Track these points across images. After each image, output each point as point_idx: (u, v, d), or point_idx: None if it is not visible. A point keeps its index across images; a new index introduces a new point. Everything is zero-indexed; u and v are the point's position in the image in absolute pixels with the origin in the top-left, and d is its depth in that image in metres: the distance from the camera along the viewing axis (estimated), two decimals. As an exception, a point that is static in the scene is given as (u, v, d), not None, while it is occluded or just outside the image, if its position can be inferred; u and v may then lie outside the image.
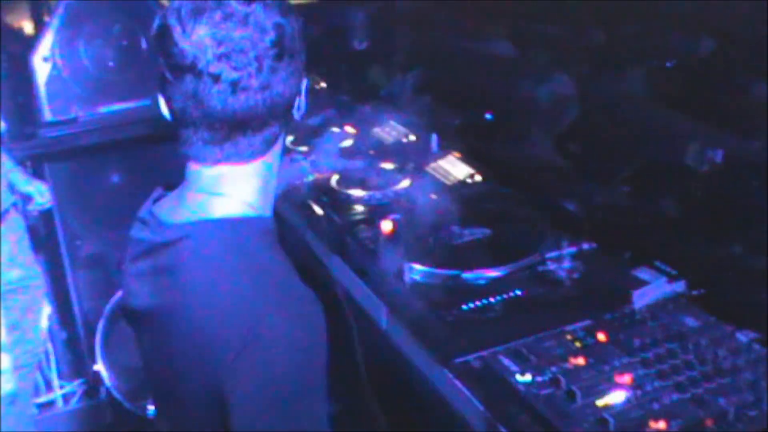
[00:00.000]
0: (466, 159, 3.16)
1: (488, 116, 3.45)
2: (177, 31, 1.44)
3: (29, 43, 4.25)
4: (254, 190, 1.60)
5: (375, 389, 2.70)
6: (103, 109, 4.13)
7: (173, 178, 1.70)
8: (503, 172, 3.06)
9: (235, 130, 1.51)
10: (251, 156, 1.57)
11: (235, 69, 1.44)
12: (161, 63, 1.48)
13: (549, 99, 3.90)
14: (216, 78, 1.44)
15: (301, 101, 1.61)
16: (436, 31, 4.11)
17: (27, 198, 3.62)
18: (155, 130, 4.13)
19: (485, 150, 3.23)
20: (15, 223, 3.55)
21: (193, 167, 1.59)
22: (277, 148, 1.63)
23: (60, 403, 4.41)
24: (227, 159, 1.55)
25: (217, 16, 1.43)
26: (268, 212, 1.65)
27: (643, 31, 3.47)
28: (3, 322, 3.45)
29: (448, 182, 3.06)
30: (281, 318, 1.46)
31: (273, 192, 1.67)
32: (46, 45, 3.98)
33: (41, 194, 3.62)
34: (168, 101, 1.53)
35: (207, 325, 1.49)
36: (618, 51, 3.84)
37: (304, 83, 1.61)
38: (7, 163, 3.58)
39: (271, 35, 1.46)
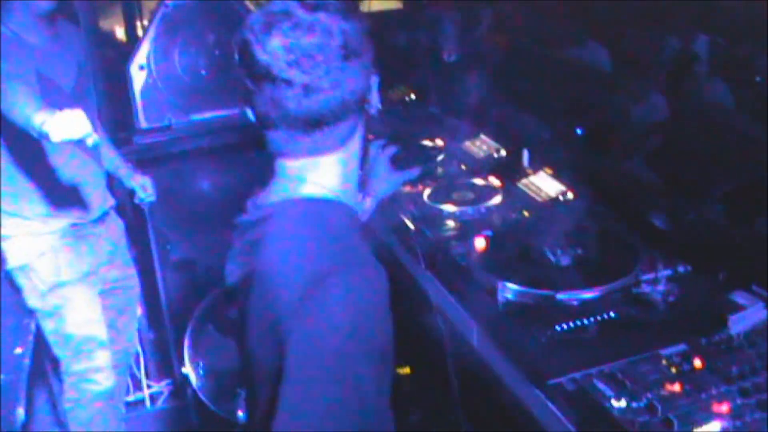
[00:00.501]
0: (558, 175, 3.14)
1: (579, 131, 3.42)
2: (253, 45, 1.56)
3: (122, 49, 4.36)
4: (334, 177, 1.74)
5: (464, 403, 2.72)
6: (195, 117, 4.21)
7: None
8: (595, 188, 3.03)
9: (311, 127, 1.63)
10: (329, 148, 1.70)
11: (305, 73, 1.56)
12: (243, 74, 1.62)
13: (642, 113, 3.86)
14: (289, 83, 1.56)
15: (372, 96, 1.73)
16: (528, 44, 4.10)
17: (131, 192, 3.72)
18: (245, 137, 4.20)
19: (577, 165, 3.20)
20: (115, 224, 3.65)
21: (278, 162, 1.74)
22: (354, 141, 1.75)
23: (147, 402, 4.51)
24: (307, 152, 1.69)
25: (286, 26, 1.55)
26: (349, 200, 1.78)
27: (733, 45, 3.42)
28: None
29: (540, 199, 3.05)
30: (345, 276, 1.56)
31: (354, 182, 1.81)
32: (142, 54, 4.08)
33: (144, 188, 3.69)
34: (252, 108, 1.66)
35: (277, 285, 1.60)
36: (711, 64, 3.79)
37: (374, 79, 1.72)
38: (115, 158, 3.67)
39: (336, 39, 1.58)
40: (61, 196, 3.28)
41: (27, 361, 3.01)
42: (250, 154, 4.33)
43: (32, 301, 3.37)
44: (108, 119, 4.09)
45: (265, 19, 1.57)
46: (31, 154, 3.13)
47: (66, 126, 2.55)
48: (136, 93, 4.10)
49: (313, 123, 1.63)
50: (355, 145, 1.76)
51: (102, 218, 3.52)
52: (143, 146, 4.11)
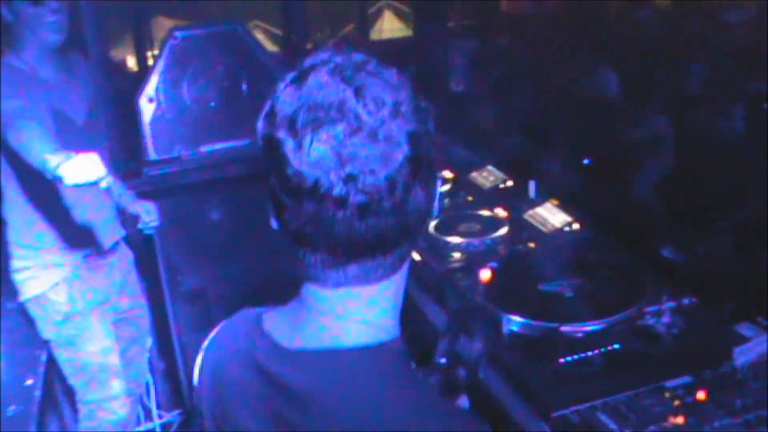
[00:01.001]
0: (564, 206, 3.16)
1: (586, 161, 3.45)
2: (290, 148, 1.16)
3: (133, 79, 4.40)
4: (384, 310, 1.33)
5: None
6: (204, 148, 4.25)
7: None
8: (602, 219, 3.05)
9: (363, 255, 1.25)
10: (381, 278, 1.29)
11: (363, 192, 1.16)
12: (273, 184, 1.23)
13: (649, 144, 3.88)
14: (341, 203, 1.17)
15: (435, 206, 1.32)
16: (536, 75, 4.13)
17: (135, 218, 3.71)
18: (255, 169, 4.23)
19: (583, 196, 3.22)
20: (125, 254, 3.68)
21: (310, 288, 1.32)
22: (407, 263, 1.34)
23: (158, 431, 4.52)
24: (353, 282, 1.29)
25: (341, 129, 1.15)
26: (397, 331, 1.35)
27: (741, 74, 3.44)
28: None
29: (545, 230, 3.07)
30: None
31: (400, 308, 1.38)
32: (151, 85, 4.12)
33: (149, 213, 3.70)
34: (282, 222, 1.27)
35: None
36: (720, 93, 3.80)
37: (438, 185, 1.32)
38: (118, 188, 3.68)
39: (404, 149, 1.18)
40: (74, 228, 3.31)
41: (38, 393, 3.03)
42: (259, 186, 4.36)
43: (47, 331, 3.38)
44: (117, 150, 4.13)
45: (311, 114, 1.16)
46: (44, 187, 3.16)
47: (81, 170, 2.59)
48: (145, 125, 4.15)
49: (366, 250, 1.24)
50: (407, 267, 1.35)
51: (113, 249, 3.54)
52: (152, 178, 4.15)
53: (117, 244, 3.59)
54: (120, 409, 3.56)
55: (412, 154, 1.19)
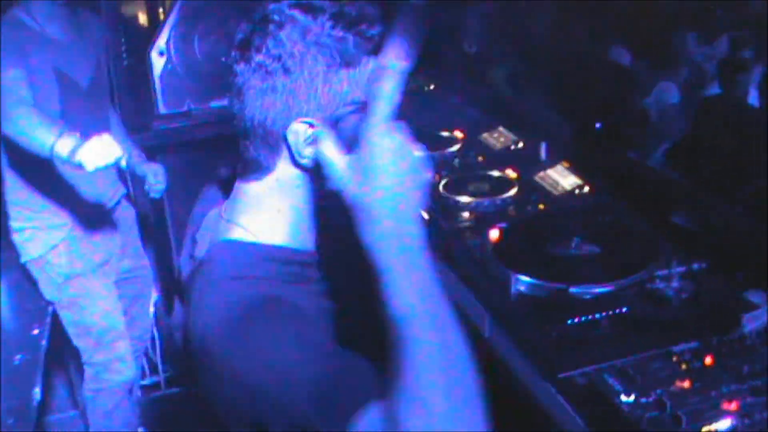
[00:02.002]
0: (575, 169, 3.14)
1: (598, 125, 3.42)
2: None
3: (144, 35, 4.37)
4: (260, 213, 1.47)
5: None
6: (215, 104, 4.22)
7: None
8: (613, 182, 3.03)
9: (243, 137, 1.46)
10: (253, 174, 1.47)
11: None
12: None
13: (663, 108, 3.86)
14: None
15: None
16: (550, 37, 4.10)
17: (142, 180, 3.67)
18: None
19: (594, 159, 3.19)
20: (127, 212, 3.66)
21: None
22: (282, 172, 1.45)
23: (163, 385, 4.54)
24: (240, 176, 1.51)
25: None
26: (285, 241, 1.49)
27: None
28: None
29: (556, 192, 3.05)
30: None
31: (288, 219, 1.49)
32: (162, 39, 4.09)
33: (156, 176, 3.65)
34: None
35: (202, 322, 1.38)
36: (738, 62, 3.77)
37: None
38: (127, 144, 3.63)
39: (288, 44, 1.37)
40: (73, 187, 3.30)
41: (44, 342, 3.04)
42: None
43: (49, 293, 3.39)
44: (127, 105, 4.11)
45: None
46: None
47: (99, 154, 2.63)
48: (155, 79, 4.12)
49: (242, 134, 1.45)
50: (286, 179, 1.44)
51: (113, 208, 3.54)
52: (162, 132, 4.13)
53: (118, 202, 3.58)
54: (126, 370, 3.57)
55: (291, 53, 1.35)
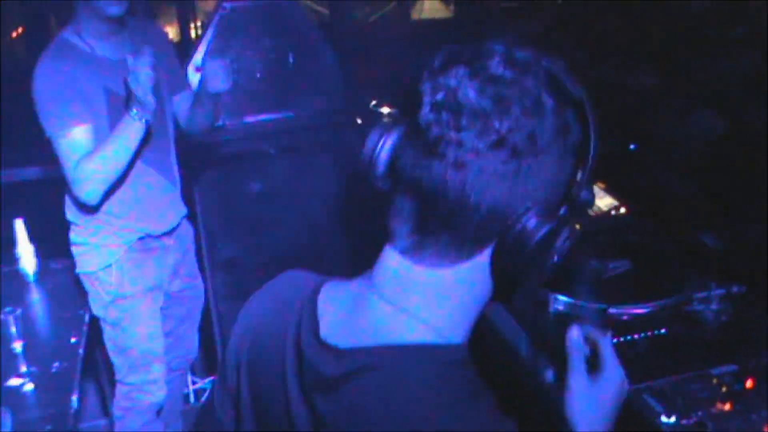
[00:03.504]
0: (611, 189, 3.16)
1: (632, 146, 3.44)
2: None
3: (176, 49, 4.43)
4: (450, 314, 1.21)
5: (512, 415, 2.74)
6: (248, 119, 4.26)
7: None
8: (649, 204, 3.05)
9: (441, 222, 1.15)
10: (453, 261, 1.18)
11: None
12: None
13: (696, 130, 3.87)
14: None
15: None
16: (582, 59, 4.12)
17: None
18: (296, 141, 4.27)
19: (631, 180, 3.21)
20: (184, 234, 3.66)
21: (385, 252, 1.23)
22: (481, 259, 1.18)
23: (191, 398, 4.57)
24: (422, 258, 1.18)
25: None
26: (460, 340, 1.23)
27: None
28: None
29: (592, 213, 3.07)
30: None
31: (471, 320, 1.25)
32: (199, 55, 4.13)
33: (215, 73, 3.54)
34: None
35: None
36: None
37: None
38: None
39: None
40: (135, 207, 3.30)
41: (81, 351, 3.06)
42: (300, 158, 4.39)
43: (95, 308, 3.38)
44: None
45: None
46: None
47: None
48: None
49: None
50: (481, 265, 1.18)
51: (170, 231, 3.51)
52: (196, 146, 4.17)
53: (179, 224, 3.55)
54: (158, 392, 3.55)
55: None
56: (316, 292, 1.30)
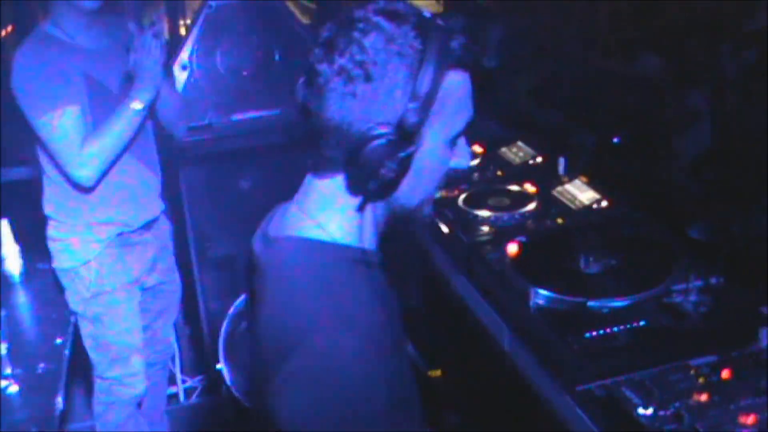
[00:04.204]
0: (593, 183, 3.16)
1: (616, 140, 3.44)
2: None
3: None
4: (333, 214, 1.54)
5: (494, 406, 2.75)
6: (235, 117, 4.26)
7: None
8: (632, 197, 3.05)
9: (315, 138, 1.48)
10: (326, 172, 1.52)
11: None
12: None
13: (683, 123, 3.86)
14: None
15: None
16: (567, 52, 4.11)
17: None
18: (285, 138, 4.26)
19: (614, 174, 3.21)
20: (162, 229, 3.68)
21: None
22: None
23: (181, 396, 4.57)
24: (311, 170, 1.56)
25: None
26: (354, 240, 1.55)
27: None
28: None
29: (574, 207, 3.07)
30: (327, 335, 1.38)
31: (357, 221, 1.55)
32: (185, 53, 4.12)
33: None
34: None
35: (270, 333, 1.48)
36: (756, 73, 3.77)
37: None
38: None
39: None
40: (113, 200, 3.30)
41: (67, 352, 3.07)
42: (290, 155, 4.39)
43: (74, 303, 3.39)
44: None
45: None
46: None
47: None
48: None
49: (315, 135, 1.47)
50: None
51: (149, 225, 3.52)
52: (184, 145, 4.16)
53: (157, 218, 3.57)
54: (138, 384, 3.56)
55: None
56: (272, 212, 1.70)
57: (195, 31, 4.14)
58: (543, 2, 4.53)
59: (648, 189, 3.08)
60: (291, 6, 4.54)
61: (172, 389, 4.52)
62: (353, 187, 1.50)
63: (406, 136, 1.42)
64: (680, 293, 2.39)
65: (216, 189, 4.35)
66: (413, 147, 1.43)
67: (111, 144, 3.11)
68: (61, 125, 3.03)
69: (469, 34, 1.45)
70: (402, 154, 1.43)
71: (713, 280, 2.43)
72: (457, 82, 1.46)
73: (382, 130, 1.41)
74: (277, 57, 4.30)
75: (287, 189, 4.19)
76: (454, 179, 1.61)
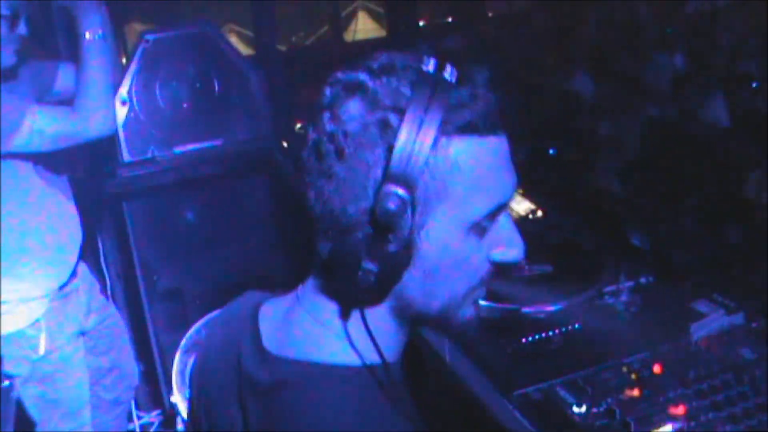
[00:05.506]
0: (529, 194, 3.21)
1: (551, 151, 3.51)
2: None
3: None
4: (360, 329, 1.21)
5: (441, 418, 2.77)
6: (177, 149, 4.27)
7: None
8: (565, 206, 3.10)
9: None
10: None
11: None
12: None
13: (613, 131, 3.95)
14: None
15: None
16: (504, 68, 4.19)
17: None
18: (227, 168, 4.28)
19: (547, 184, 3.27)
20: (81, 268, 3.51)
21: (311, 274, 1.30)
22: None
23: (139, 432, 4.55)
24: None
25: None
26: (379, 359, 1.24)
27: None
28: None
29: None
30: None
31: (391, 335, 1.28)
32: (124, 88, 4.14)
33: None
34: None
35: None
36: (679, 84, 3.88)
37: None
38: None
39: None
40: (46, 251, 3.19)
41: (15, 394, 2.99)
42: (234, 185, 4.41)
43: (18, 368, 3.23)
44: (92, 153, 4.14)
45: None
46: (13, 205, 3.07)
47: None
48: (118, 127, 4.15)
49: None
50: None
51: (76, 270, 3.39)
52: (127, 179, 4.17)
53: (78, 263, 3.41)
54: None
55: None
56: (257, 308, 1.37)
57: (132, 66, 4.16)
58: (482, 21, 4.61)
59: (580, 197, 3.14)
60: (231, 37, 4.58)
61: (130, 426, 4.49)
62: (335, 294, 1.24)
63: (383, 228, 1.13)
64: (612, 294, 2.45)
65: (161, 221, 4.36)
66: (399, 242, 1.15)
67: (95, 85, 3.05)
68: (45, 119, 2.97)
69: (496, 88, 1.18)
70: (386, 251, 1.15)
71: (643, 280, 2.49)
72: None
73: (352, 220, 1.15)
74: (216, 87, 4.33)
75: (231, 219, 4.21)
76: (505, 272, 1.33)
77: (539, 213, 3.10)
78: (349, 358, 1.24)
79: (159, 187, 4.24)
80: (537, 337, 2.33)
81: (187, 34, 4.33)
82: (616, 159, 3.56)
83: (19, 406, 3.39)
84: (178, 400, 4.13)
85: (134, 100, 4.17)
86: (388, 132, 1.11)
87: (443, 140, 1.12)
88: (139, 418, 4.51)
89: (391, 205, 1.10)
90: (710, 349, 2.22)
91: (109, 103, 3.12)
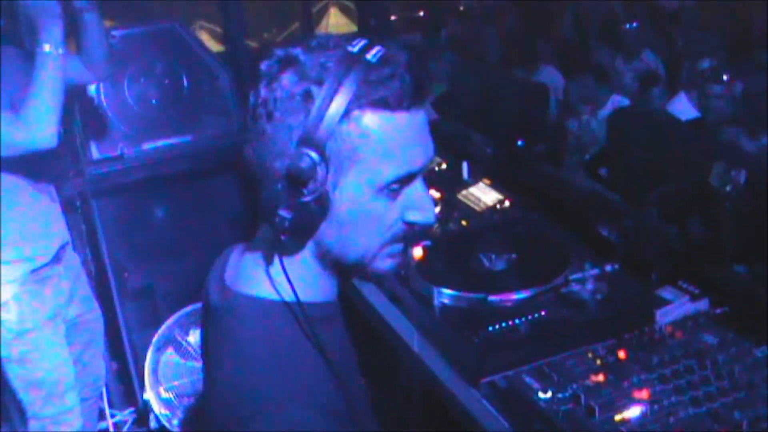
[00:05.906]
0: (497, 186, 3.23)
1: (520, 143, 3.52)
2: None
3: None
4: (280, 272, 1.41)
5: (410, 406, 2.79)
6: (147, 146, 4.26)
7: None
8: (532, 196, 3.12)
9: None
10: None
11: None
12: None
13: (580, 125, 3.98)
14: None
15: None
16: (473, 62, 4.21)
17: None
18: (197, 165, 4.27)
19: (516, 176, 3.29)
20: (72, 260, 3.60)
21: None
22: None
23: (111, 431, 4.52)
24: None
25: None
26: (312, 293, 1.45)
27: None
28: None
29: (478, 208, 3.13)
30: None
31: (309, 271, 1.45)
32: (92, 86, 4.12)
33: None
34: None
35: (224, 396, 1.41)
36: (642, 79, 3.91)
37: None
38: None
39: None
40: (19, 236, 3.24)
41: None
42: (204, 181, 4.40)
43: None
44: (60, 151, 4.11)
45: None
46: None
47: None
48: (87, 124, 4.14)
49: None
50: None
51: (59, 256, 3.45)
52: (96, 177, 4.15)
53: (63, 250, 3.49)
54: (75, 421, 3.49)
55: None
56: (231, 250, 1.60)
57: (100, 63, 4.14)
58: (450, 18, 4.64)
59: (547, 188, 3.15)
60: (202, 34, 4.57)
61: (101, 424, 4.47)
62: (266, 239, 1.45)
63: (297, 182, 1.30)
64: (577, 282, 2.46)
65: (131, 219, 4.34)
66: (312, 195, 1.31)
67: (42, 97, 3.01)
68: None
69: (419, 70, 1.32)
70: (299, 202, 1.32)
71: (608, 268, 2.51)
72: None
73: (275, 174, 1.33)
74: (185, 84, 4.32)
75: (202, 216, 4.18)
76: (418, 235, 1.45)
77: (507, 203, 3.11)
78: (273, 294, 1.43)
79: (129, 184, 4.23)
80: (504, 325, 2.34)
81: (155, 30, 4.33)
82: (583, 151, 3.58)
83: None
84: (151, 397, 4.13)
85: (102, 96, 4.15)
86: (309, 101, 1.30)
87: (356, 112, 1.29)
88: (112, 416, 4.50)
89: (302, 164, 1.29)
90: (674, 335, 2.24)
91: (54, 118, 3.07)
